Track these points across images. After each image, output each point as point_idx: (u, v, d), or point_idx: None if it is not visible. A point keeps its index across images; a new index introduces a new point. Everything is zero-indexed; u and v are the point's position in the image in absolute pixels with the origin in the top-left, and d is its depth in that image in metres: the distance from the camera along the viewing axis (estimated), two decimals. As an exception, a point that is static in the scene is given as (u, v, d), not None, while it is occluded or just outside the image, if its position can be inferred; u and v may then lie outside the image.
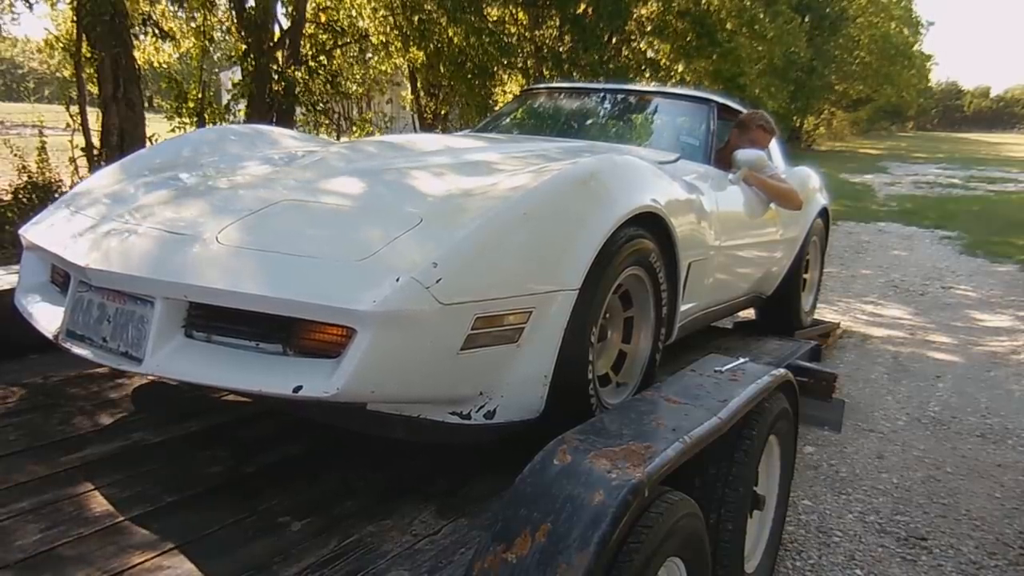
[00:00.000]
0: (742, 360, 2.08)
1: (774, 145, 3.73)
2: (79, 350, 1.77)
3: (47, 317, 1.94)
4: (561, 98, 3.93)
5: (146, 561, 1.41)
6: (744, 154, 3.08)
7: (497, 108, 13.31)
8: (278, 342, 1.58)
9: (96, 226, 1.91)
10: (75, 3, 6.91)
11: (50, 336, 1.86)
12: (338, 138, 10.39)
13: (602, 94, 3.86)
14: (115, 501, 1.62)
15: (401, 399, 1.65)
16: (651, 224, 2.06)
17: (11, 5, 7.44)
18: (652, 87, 4.14)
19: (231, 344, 1.61)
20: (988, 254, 9.17)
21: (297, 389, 1.49)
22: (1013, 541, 2.81)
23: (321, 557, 1.46)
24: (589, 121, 3.62)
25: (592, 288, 1.81)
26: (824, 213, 4.15)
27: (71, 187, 6.95)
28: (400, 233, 1.63)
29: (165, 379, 1.75)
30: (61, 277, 2.05)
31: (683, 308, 2.49)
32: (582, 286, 1.78)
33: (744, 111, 3.65)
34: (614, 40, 12.89)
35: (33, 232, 2.11)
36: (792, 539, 2.71)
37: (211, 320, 1.61)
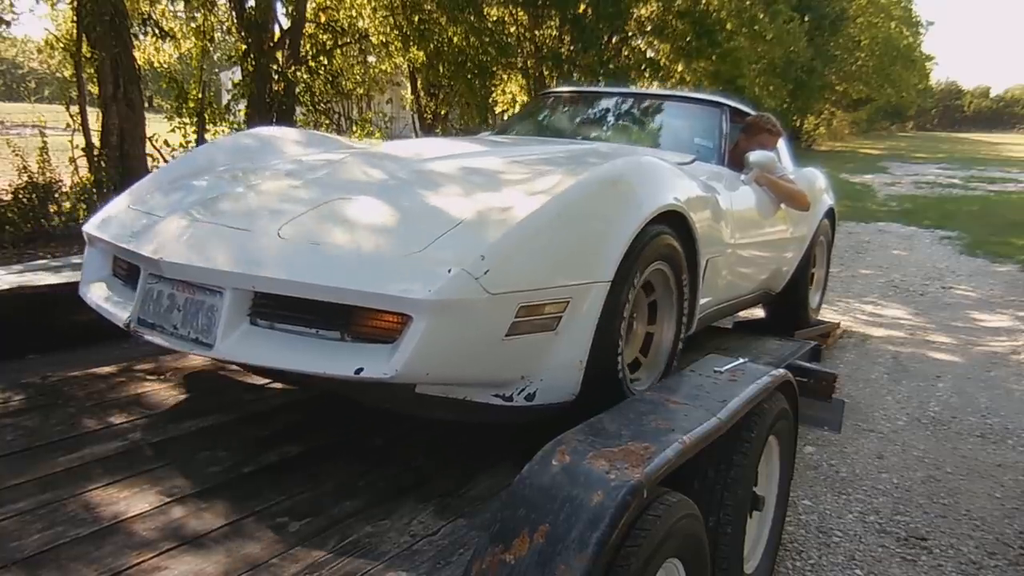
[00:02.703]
0: (741, 360, 2.08)
1: (782, 146, 3.82)
2: (151, 337, 1.89)
3: (114, 307, 2.07)
4: (579, 102, 4.06)
5: (145, 561, 1.41)
6: (756, 156, 3.18)
7: (497, 108, 13.34)
8: (336, 329, 1.71)
9: (163, 223, 2.02)
10: (75, 3, 6.91)
11: (121, 324, 1.97)
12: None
13: (619, 98, 3.97)
14: (114, 501, 1.62)
15: (451, 381, 1.78)
16: (674, 222, 2.16)
17: (11, 5, 7.43)
18: (666, 91, 4.32)
19: (292, 331, 1.74)
20: (988, 254, 9.16)
21: (358, 371, 1.62)
22: (1013, 541, 2.81)
23: (320, 558, 1.46)
24: (607, 124, 3.74)
25: (622, 281, 1.92)
26: (831, 214, 4.28)
27: (71, 187, 6.97)
28: (447, 229, 1.77)
29: (234, 363, 1.87)
30: (124, 270, 2.19)
31: (700, 302, 2.57)
32: (613, 279, 1.90)
33: (752, 114, 3.73)
34: (614, 40, 12.89)
35: (99, 229, 2.24)
36: (792, 539, 2.71)
37: (274, 309, 1.75)
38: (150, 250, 1.90)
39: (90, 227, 2.30)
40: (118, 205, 2.35)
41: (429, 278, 1.61)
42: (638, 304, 2.19)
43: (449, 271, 1.62)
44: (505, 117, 14.01)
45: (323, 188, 2.13)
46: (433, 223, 1.81)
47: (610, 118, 3.78)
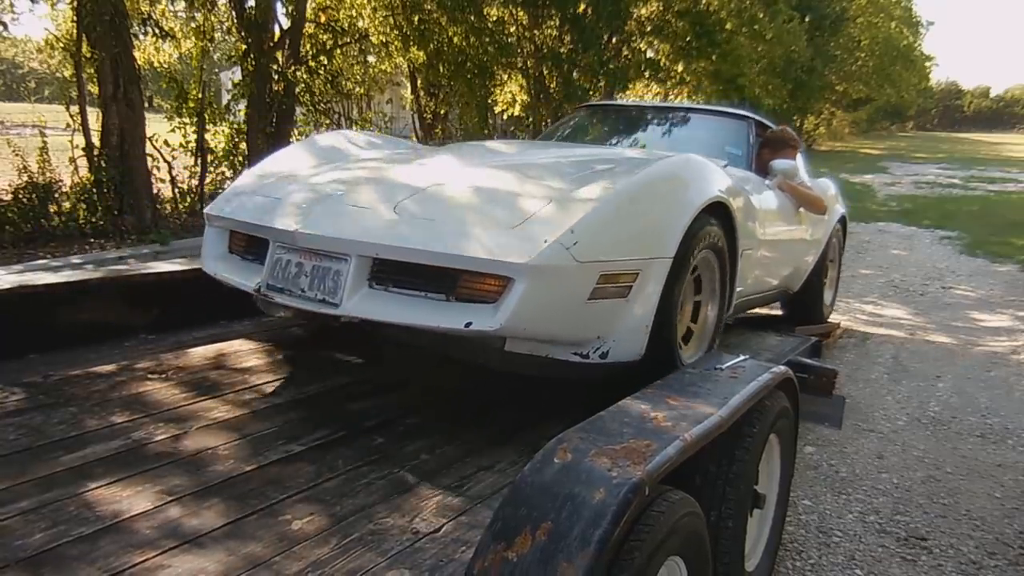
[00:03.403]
0: (742, 358, 2.08)
1: (799, 158, 4.10)
2: (280, 299, 2.19)
3: (239, 277, 2.40)
4: (618, 114, 4.52)
5: (147, 560, 1.41)
6: (780, 164, 3.60)
7: (496, 108, 13.34)
8: (442, 292, 2.01)
9: (288, 204, 2.34)
10: (75, 3, 6.91)
11: (250, 290, 2.28)
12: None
13: (655, 111, 4.47)
14: (116, 500, 1.62)
15: (542, 337, 2.06)
16: (719, 214, 2.45)
17: (11, 5, 7.42)
18: (698, 105, 4.77)
19: (405, 293, 2.04)
20: (988, 254, 9.16)
21: (468, 324, 1.91)
22: (1013, 541, 2.81)
23: (321, 556, 1.46)
24: (646, 133, 4.13)
25: (681, 258, 2.21)
26: (843, 220, 4.73)
27: (71, 187, 6.97)
28: (539, 208, 2.07)
29: (358, 319, 2.08)
30: (241, 246, 2.55)
31: (736, 290, 2.79)
32: (675, 255, 2.18)
33: (772, 127, 4.12)
34: (614, 40, 12.88)
35: (223, 212, 2.56)
36: (792, 539, 2.71)
37: (389, 274, 2.06)
38: (284, 224, 2.21)
39: (212, 210, 2.61)
40: (234, 194, 2.68)
41: (528, 247, 1.90)
42: (688, 285, 2.44)
43: (545, 241, 1.91)
44: (505, 117, 14.03)
45: (420, 176, 2.45)
46: (525, 203, 2.13)
47: (649, 128, 4.17)
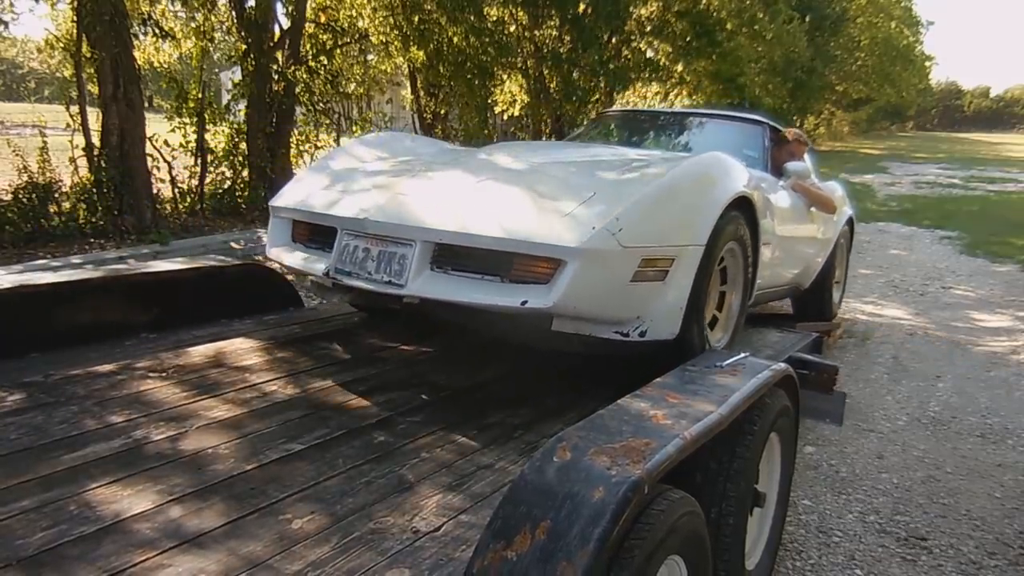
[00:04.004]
0: (742, 355, 2.08)
1: (808, 159, 4.29)
2: (348, 281, 2.41)
3: (305, 263, 2.64)
4: (638, 120, 4.77)
5: (147, 560, 1.41)
6: (794, 165, 3.82)
7: (496, 108, 13.33)
8: (497, 274, 2.22)
9: (354, 195, 2.60)
10: (75, 3, 6.91)
11: (319, 274, 2.51)
12: (338, 138, 10.39)
13: (673, 117, 4.73)
14: (116, 500, 1.62)
15: (588, 316, 2.23)
16: (743, 208, 2.62)
17: (11, 5, 7.42)
18: (717, 111, 4.90)
19: (463, 275, 2.25)
20: (988, 254, 9.16)
21: (524, 303, 2.11)
22: (1013, 541, 2.81)
23: (321, 555, 1.46)
24: (669, 137, 4.38)
25: (712, 246, 2.40)
26: (851, 221, 4.95)
27: (71, 187, 6.97)
28: (587, 198, 2.28)
29: (422, 298, 2.28)
30: (304, 235, 2.77)
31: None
32: (707, 243, 2.37)
33: (783, 130, 4.32)
34: (614, 40, 12.88)
35: (289, 204, 2.79)
36: (792, 539, 2.71)
37: (449, 258, 2.29)
38: (353, 213, 2.45)
39: (277, 202, 2.85)
40: (297, 188, 2.90)
41: (578, 233, 2.11)
42: (715, 275, 2.61)
43: (593, 228, 2.12)
44: (505, 117, 14.03)
45: (472, 171, 2.71)
46: (572, 194, 2.33)
47: (669, 133, 4.43)
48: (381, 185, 2.65)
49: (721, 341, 2.70)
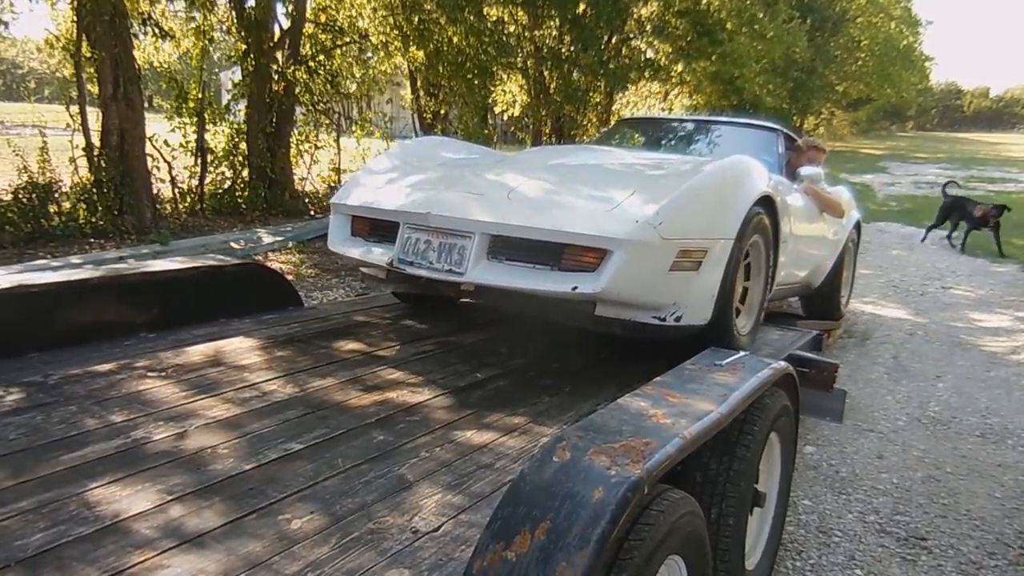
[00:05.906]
0: (742, 354, 2.08)
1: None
2: (411, 270, 2.65)
3: (367, 255, 2.87)
4: (658, 126, 5.01)
5: (146, 560, 1.41)
6: (807, 170, 4.04)
7: (496, 108, 13.32)
8: (547, 263, 2.45)
9: (413, 192, 2.85)
10: (75, 3, 6.90)
11: (383, 264, 2.74)
12: (338, 138, 10.39)
13: (693, 123, 4.99)
14: (116, 500, 1.62)
15: (629, 302, 2.47)
16: (766, 206, 2.84)
17: (11, 5, 7.41)
18: (735, 119, 5.10)
19: (517, 264, 2.49)
20: (988, 254, 9.16)
21: (574, 288, 2.35)
22: (1013, 541, 2.81)
23: (321, 556, 1.46)
24: (690, 142, 4.60)
25: (740, 240, 2.62)
26: (858, 224, 5.17)
27: (71, 187, 6.97)
28: (629, 194, 2.51)
29: (479, 285, 2.53)
30: (364, 230, 2.99)
31: None
32: (736, 236, 2.59)
33: (798, 138, 4.60)
34: (614, 40, 12.86)
35: (352, 201, 3.00)
36: (792, 539, 2.71)
37: (504, 248, 2.52)
38: (416, 208, 2.70)
39: (338, 199, 3.07)
40: (355, 188, 3.11)
41: (623, 225, 2.34)
42: (740, 266, 2.79)
43: (636, 221, 2.34)
44: (505, 117, 14.02)
45: (519, 171, 2.95)
46: (615, 191, 2.57)
47: (689, 139, 4.65)
48: (439, 183, 2.88)
49: (746, 327, 2.93)
